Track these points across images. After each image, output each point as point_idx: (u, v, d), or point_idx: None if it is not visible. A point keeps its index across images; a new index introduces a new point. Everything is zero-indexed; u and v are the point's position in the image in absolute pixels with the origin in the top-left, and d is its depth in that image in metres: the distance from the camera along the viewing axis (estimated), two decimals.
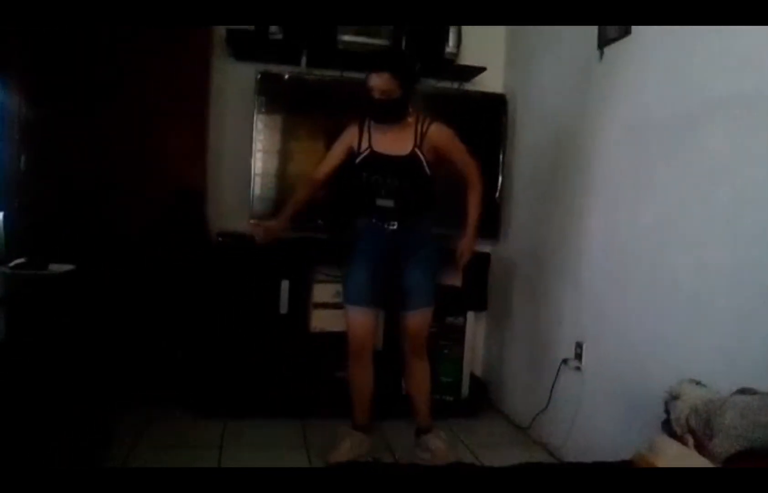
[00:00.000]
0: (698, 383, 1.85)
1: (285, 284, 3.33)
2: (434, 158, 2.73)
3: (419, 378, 2.91)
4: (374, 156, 2.72)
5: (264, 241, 2.80)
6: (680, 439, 1.78)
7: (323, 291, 3.45)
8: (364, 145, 2.74)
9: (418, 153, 2.70)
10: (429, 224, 2.82)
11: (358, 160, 2.75)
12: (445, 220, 2.90)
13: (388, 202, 2.72)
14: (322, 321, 3.43)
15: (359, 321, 2.80)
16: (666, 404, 1.88)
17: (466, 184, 2.81)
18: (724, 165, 2.15)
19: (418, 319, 2.80)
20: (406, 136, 2.70)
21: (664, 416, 1.89)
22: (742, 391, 1.76)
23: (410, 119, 2.72)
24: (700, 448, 1.72)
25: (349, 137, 2.79)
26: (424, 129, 2.70)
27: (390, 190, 2.70)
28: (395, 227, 2.74)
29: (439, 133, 2.73)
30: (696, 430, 1.74)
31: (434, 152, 2.72)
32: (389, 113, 2.66)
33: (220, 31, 3.44)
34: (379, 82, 2.59)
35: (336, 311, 3.43)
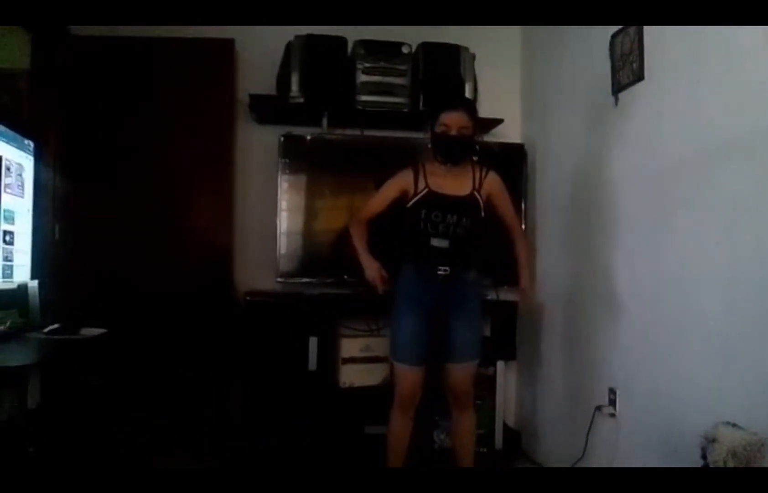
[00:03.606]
0: (734, 424, 1.81)
1: (313, 341, 3.34)
2: (486, 205, 2.78)
3: (464, 432, 2.89)
4: (433, 195, 2.72)
5: (383, 286, 2.75)
6: None
7: (351, 346, 3.47)
8: (421, 186, 2.75)
9: (477, 195, 2.75)
10: (477, 275, 2.82)
11: (415, 200, 2.75)
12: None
13: (443, 243, 2.70)
14: (350, 376, 3.44)
15: (409, 379, 2.77)
16: (703, 448, 1.84)
17: (512, 237, 2.88)
18: (745, 202, 2.14)
19: (465, 372, 2.79)
20: (465, 179, 2.76)
21: (701, 461, 1.85)
22: None
23: (468, 165, 2.78)
24: None
25: (404, 181, 2.78)
26: (483, 175, 2.78)
27: (447, 229, 2.70)
28: (446, 273, 2.70)
29: (496, 181, 2.81)
30: None
31: (488, 199, 2.78)
32: (462, 150, 2.72)
33: (243, 96, 3.55)
34: (456, 118, 2.67)
35: (364, 366, 3.44)
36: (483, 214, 2.76)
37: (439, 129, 2.70)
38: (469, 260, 2.76)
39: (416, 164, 2.79)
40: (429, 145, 2.79)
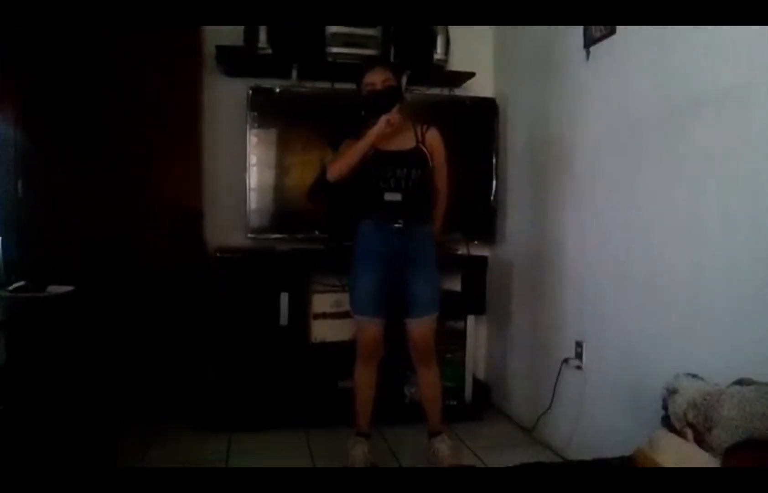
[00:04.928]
0: (695, 376, 1.86)
1: (284, 297, 3.34)
2: (430, 159, 2.83)
3: (428, 385, 2.94)
4: (380, 153, 2.79)
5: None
6: (680, 433, 1.79)
7: (322, 301, 3.46)
8: (369, 150, 2.81)
9: (422, 147, 2.82)
10: (431, 229, 2.87)
11: (364, 163, 2.80)
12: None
13: (396, 196, 2.76)
14: (322, 331, 3.45)
15: (369, 331, 2.85)
16: (664, 399, 1.89)
17: (434, 203, 2.92)
18: (714, 158, 2.16)
19: (424, 326, 2.83)
20: (408, 135, 2.83)
21: (662, 411, 1.90)
22: (740, 382, 1.77)
23: (407, 122, 2.85)
24: (700, 441, 1.73)
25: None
26: (424, 130, 2.85)
27: (398, 182, 2.76)
28: (401, 226, 2.76)
29: (437, 137, 2.87)
30: (695, 423, 1.75)
31: (431, 152, 2.84)
32: (391, 100, 2.79)
33: (210, 48, 3.46)
34: (378, 74, 2.79)
35: (335, 321, 3.45)
36: (431, 165, 2.83)
37: (366, 90, 2.79)
38: (422, 212, 2.82)
39: (356, 134, 2.84)
40: (362, 111, 2.85)
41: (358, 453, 2.84)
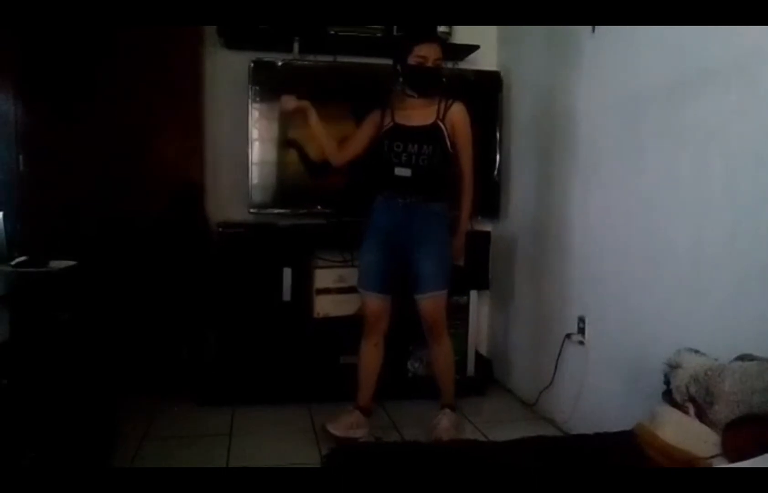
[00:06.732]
0: (697, 351, 1.86)
1: (287, 272, 3.34)
2: (451, 136, 2.81)
3: (438, 360, 2.96)
4: (397, 127, 2.82)
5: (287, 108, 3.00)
6: (681, 407, 1.79)
7: (325, 277, 3.46)
8: (387, 121, 2.84)
9: (440, 124, 2.79)
10: (442, 206, 2.85)
11: (381, 135, 2.84)
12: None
13: (406, 172, 2.77)
14: (325, 307, 3.45)
15: (371, 306, 2.89)
16: (666, 374, 1.89)
17: (460, 182, 2.89)
18: (717, 134, 2.14)
19: (428, 303, 2.83)
20: (430, 111, 2.82)
21: (665, 386, 1.90)
22: (741, 357, 1.77)
23: (435, 97, 2.83)
24: (701, 415, 1.73)
25: (373, 120, 2.89)
26: (448, 105, 2.82)
27: (409, 158, 2.77)
28: (408, 202, 2.78)
29: (460, 111, 2.84)
30: (696, 398, 1.75)
31: (452, 129, 2.81)
32: (435, 82, 2.79)
33: None
34: (433, 50, 2.75)
35: (338, 296, 3.45)
36: (448, 143, 2.80)
37: (414, 60, 2.73)
38: (432, 189, 2.80)
39: (383, 105, 2.86)
40: (400, 78, 2.79)
41: (341, 422, 2.86)
